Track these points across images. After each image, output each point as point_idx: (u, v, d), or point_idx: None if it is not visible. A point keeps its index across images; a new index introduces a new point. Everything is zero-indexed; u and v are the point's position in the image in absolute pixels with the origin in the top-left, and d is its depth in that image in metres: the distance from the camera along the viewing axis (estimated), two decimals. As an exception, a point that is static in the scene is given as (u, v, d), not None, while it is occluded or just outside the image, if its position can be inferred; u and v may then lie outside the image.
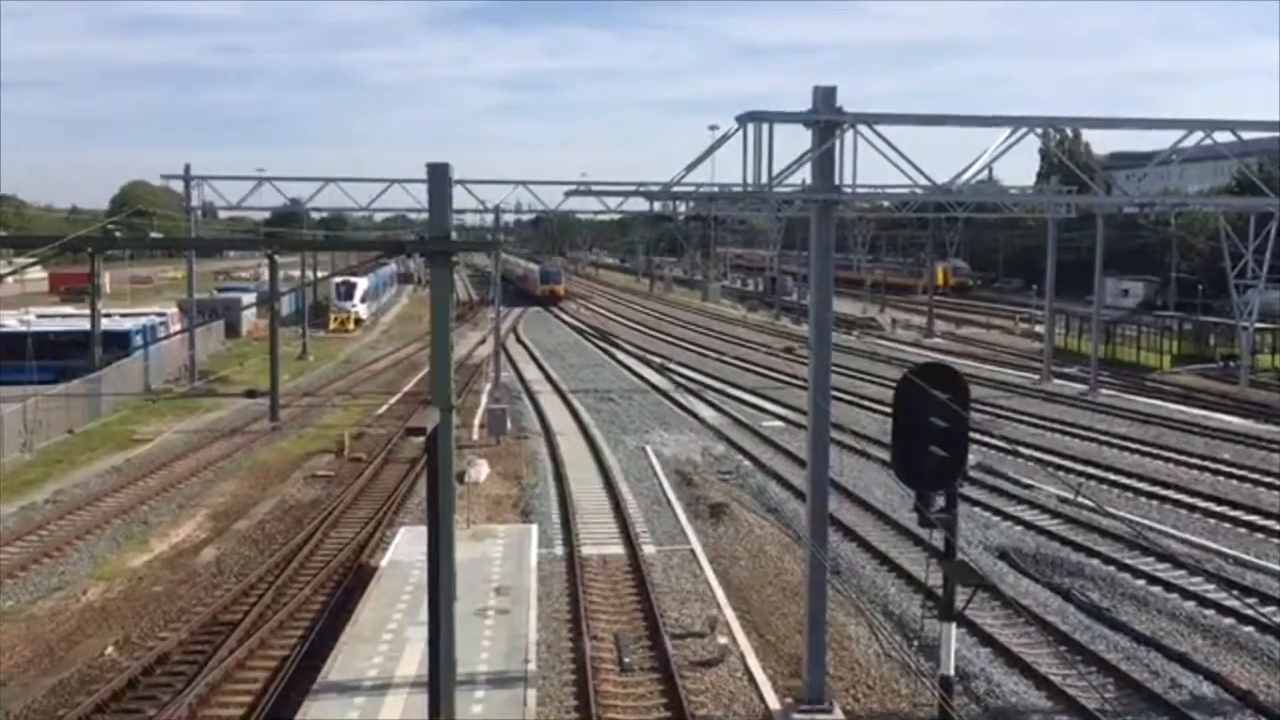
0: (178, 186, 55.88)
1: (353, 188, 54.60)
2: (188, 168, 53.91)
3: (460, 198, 58.14)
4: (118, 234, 33.19)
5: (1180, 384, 52.35)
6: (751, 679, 18.35)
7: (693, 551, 25.51)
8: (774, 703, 17.39)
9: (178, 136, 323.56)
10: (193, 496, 31.50)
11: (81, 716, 16.74)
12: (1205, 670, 18.73)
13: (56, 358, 46.53)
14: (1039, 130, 19.00)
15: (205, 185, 54.55)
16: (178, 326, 57.93)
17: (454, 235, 15.08)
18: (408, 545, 23.87)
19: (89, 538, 27.02)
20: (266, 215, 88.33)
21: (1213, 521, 27.94)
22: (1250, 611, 20.74)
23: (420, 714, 14.17)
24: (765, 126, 16.47)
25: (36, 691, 18.05)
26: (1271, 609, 21.23)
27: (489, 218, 58.29)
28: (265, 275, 54.36)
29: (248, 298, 77.70)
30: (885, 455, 15.33)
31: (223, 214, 66.20)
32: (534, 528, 26.36)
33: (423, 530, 13.41)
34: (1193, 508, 29.13)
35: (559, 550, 25.46)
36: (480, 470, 32.45)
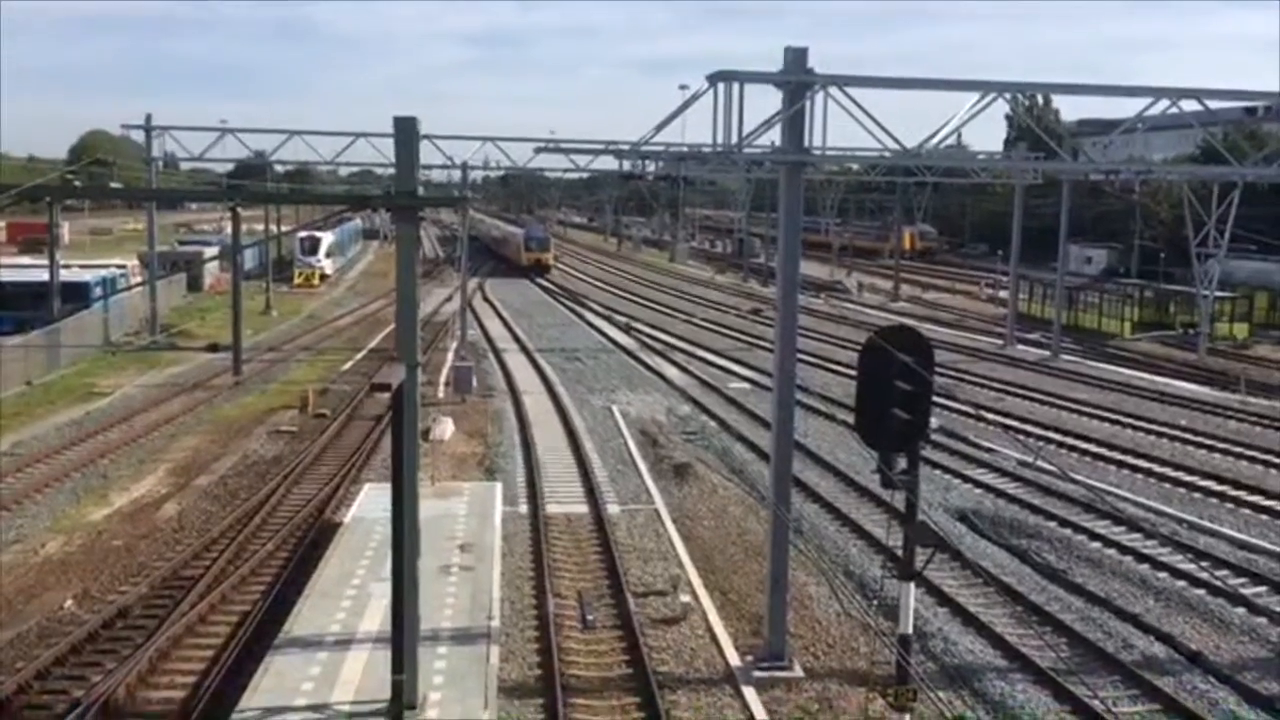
0: (138, 137, 55.10)
1: (318, 141, 53.87)
2: (149, 117, 53.08)
3: (427, 153, 57.56)
4: (77, 183, 32.61)
5: (1140, 351, 53.01)
6: (713, 637, 18.53)
7: (657, 511, 25.65)
8: (735, 660, 17.58)
9: (138, 86, 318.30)
10: (154, 451, 31.24)
11: (40, 669, 16.65)
12: (1157, 631, 19.10)
13: (14, 309, 45.88)
14: (1008, 96, 19.04)
15: (166, 136, 53.80)
16: (138, 279, 57.20)
17: (421, 191, 14.96)
18: (371, 502, 23.82)
19: (47, 491, 26.77)
20: (229, 168, 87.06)
21: (1168, 486, 28.40)
22: (1202, 575, 21.16)
23: (383, 669, 14.20)
24: (736, 87, 16.42)
25: (-6, 644, 17.93)
26: (1224, 572, 21.65)
27: (457, 174, 57.75)
28: (228, 228, 53.74)
29: (210, 251, 76.75)
30: (849, 418, 15.45)
31: (184, 165, 65.21)
32: (499, 485, 26.37)
33: (387, 487, 13.39)
34: (1149, 472, 29.59)
35: (523, 508, 25.51)
36: (445, 428, 32.39)
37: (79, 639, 17.78)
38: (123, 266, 59.25)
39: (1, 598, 20.09)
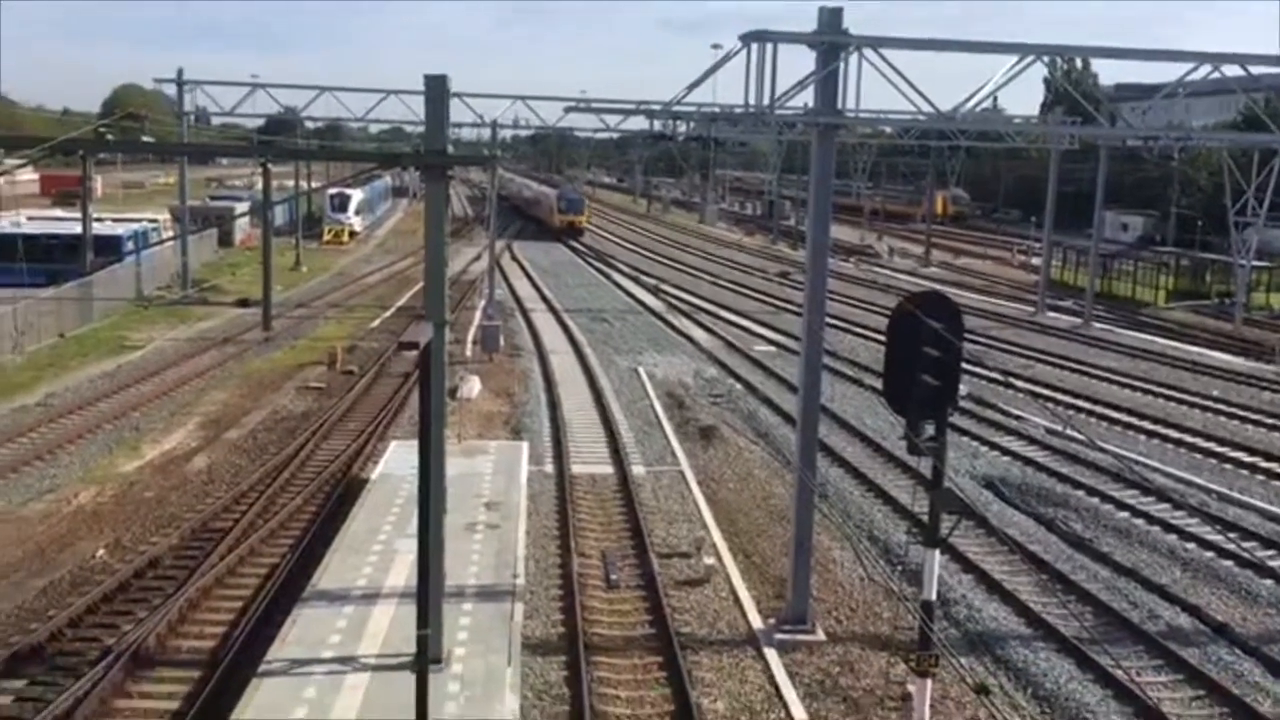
0: (170, 91, 55.18)
1: (348, 98, 53.95)
2: (180, 72, 53.17)
3: (458, 111, 57.47)
4: (109, 136, 32.69)
5: (1174, 320, 52.42)
6: (736, 599, 18.59)
7: (682, 473, 25.68)
8: (757, 622, 17.64)
9: (171, 39, 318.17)
10: (184, 404, 31.54)
11: (73, 617, 16.92)
12: (1183, 602, 19.01)
13: (47, 261, 46.26)
14: (1045, 58, 18.72)
15: (198, 90, 53.90)
16: (170, 233, 57.52)
17: (450, 149, 14.91)
18: (398, 459, 23.97)
19: (80, 442, 27.11)
20: (260, 123, 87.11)
21: (1199, 456, 28.16)
22: (1231, 546, 21.01)
23: (408, 624, 14.33)
24: (769, 47, 16.23)
25: (28, 592, 18.23)
26: (1252, 544, 21.49)
27: (486, 133, 57.55)
28: (259, 184, 53.88)
29: (241, 206, 77.05)
30: (877, 383, 15.37)
31: (216, 120, 65.41)
32: (525, 445, 26.48)
33: (414, 444, 13.46)
34: (1180, 443, 29.34)
35: (549, 468, 25.60)
36: (473, 386, 32.51)
37: (111, 588, 18.05)
38: (155, 221, 59.58)
39: (35, 546, 20.42)
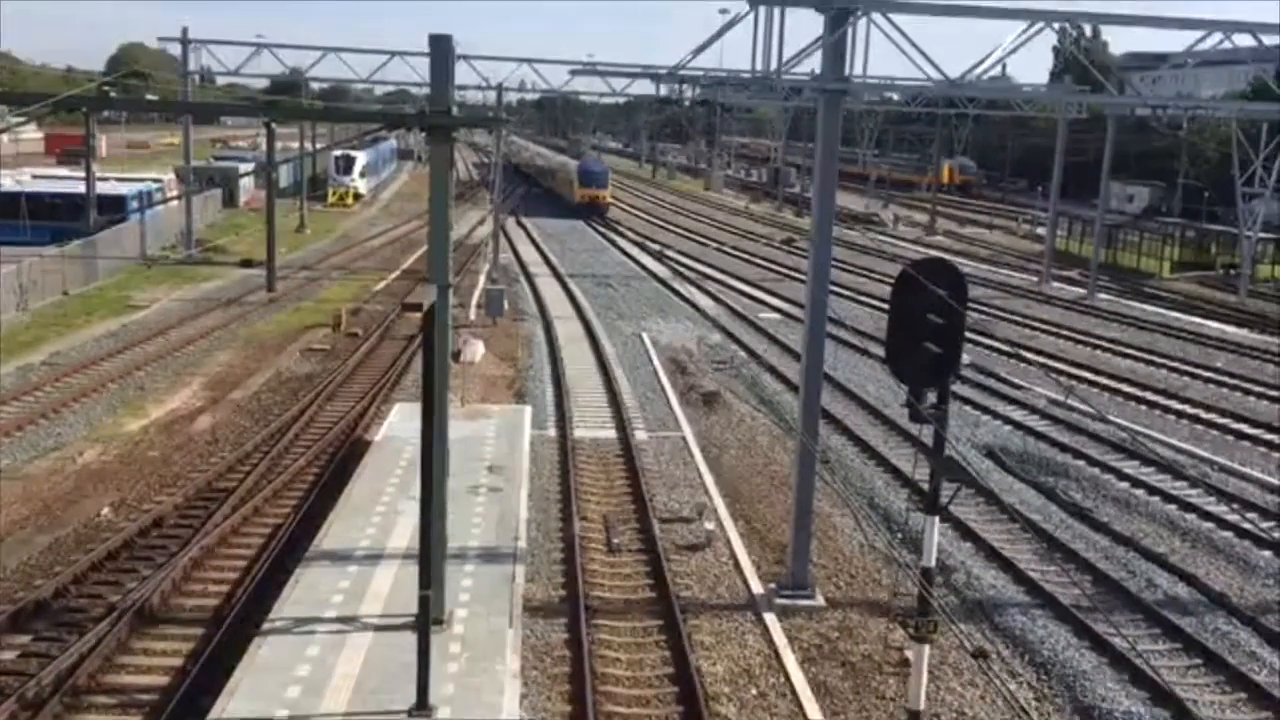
0: (175, 50, 54.94)
1: (353, 59, 53.76)
2: (185, 30, 52.84)
3: (463, 74, 57.17)
4: (113, 94, 32.57)
5: (1179, 291, 52.32)
6: (737, 564, 18.71)
7: (684, 438, 25.75)
8: (758, 587, 17.76)
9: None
10: (189, 365, 31.62)
11: (78, 574, 17.06)
12: (1181, 571, 19.11)
13: (52, 219, 46.21)
14: (1055, 25, 18.60)
15: (203, 50, 53.61)
16: (174, 193, 57.40)
17: (455, 111, 14.86)
18: (402, 422, 24.03)
19: (85, 401, 27.20)
20: (265, 84, 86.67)
21: (1200, 428, 28.21)
22: (1231, 517, 21.08)
23: (410, 585, 14.43)
24: (777, 11, 16.16)
25: (34, 548, 18.37)
26: (1254, 515, 21.57)
27: (492, 96, 57.26)
28: (263, 145, 53.66)
29: (245, 166, 76.83)
30: (880, 351, 15.36)
31: (220, 80, 65.03)
32: (528, 409, 26.54)
33: (417, 407, 13.50)
34: (1181, 414, 29.39)
35: (552, 432, 25.69)
36: (476, 350, 32.53)
37: (115, 546, 18.17)
38: (159, 180, 59.45)
39: (41, 504, 20.55)
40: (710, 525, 19.98)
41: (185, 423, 26.13)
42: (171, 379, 29.96)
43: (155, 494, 21.07)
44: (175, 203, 54.57)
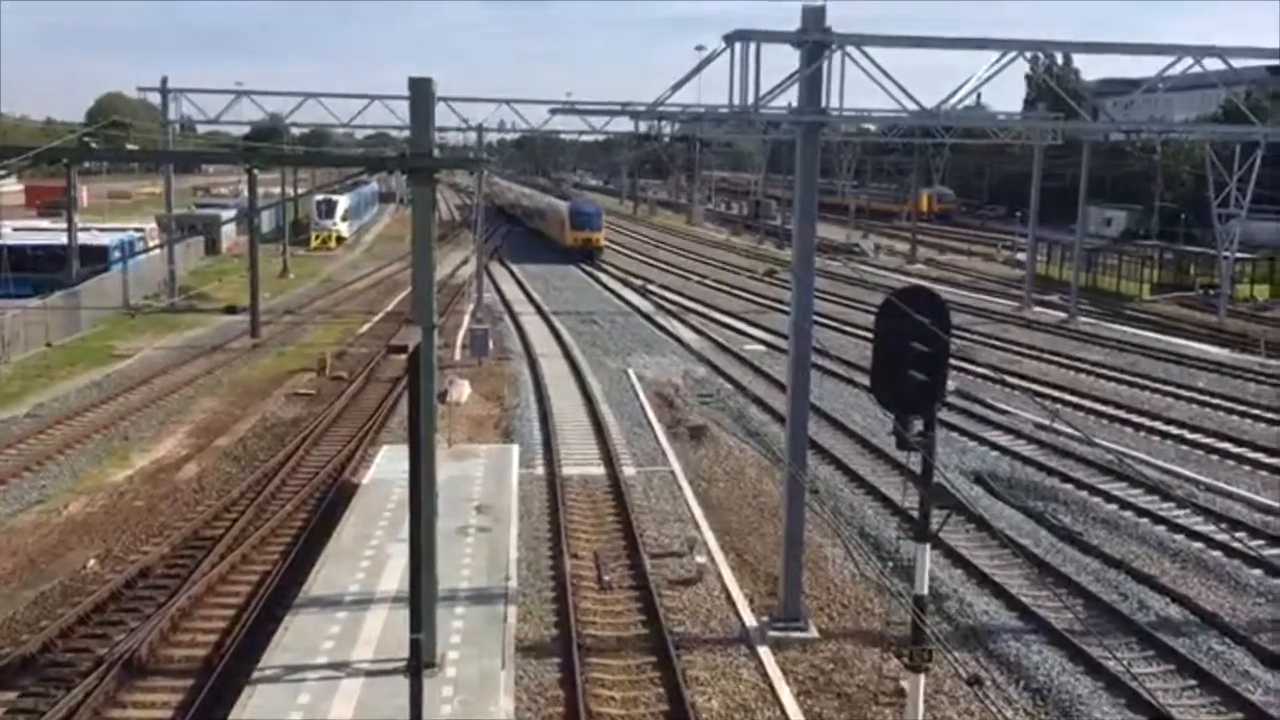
0: (155, 100, 55.06)
1: (334, 104, 53.98)
2: (164, 80, 53.03)
3: (443, 116, 57.34)
4: (94, 145, 32.58)
5: (1159, 313, 52.68)
6: (729, 597, 18.64)
7: (672, 473, 25.72)
8: (750, 620, 17.69)
9: (154, 48, 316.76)
10: (174, 413, 31.48)
11: (64, 627, 16.88)
12: (1173, 592, 19.12)
13: (34, 271, 46.09)
14: (1028, 54, 18.83)
15: (183, 99, 53.73)
16: (156, 242, 57.34)
17: (436, 152, 14.93)
18: (389, 463, 23.97)
19: (70, 452, 27.03)
20: (245, 130, 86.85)
21: (1185, 448, 28.31)
22: (1219, 536, 21.14)
23: (401, 629, 14.32)
24: (753, 46, 16.28)
25: (19, 603, 18.18)
26: (1242, 534, 21.62)
27: (472, 137, 57.57)
28: (245, 192, 53.78)
29: (227, 214, 76.86)
30: (865, 380, 15.36)
31: (201, 128, 65.18)
32: (515, 448, 26.49)
33: (404, 449, 13.47)
34: (1166, 434, 29.51)
35: (540, 470, 25.62)
36: (462, 390, 32.50)
37: (102, 598, 18.01)
38: (141, 230, 59.41)
39: (25, 557, 20.36)
40: (701, 559, 19.92)
41: (171, 471, 25.98)
42: (156, 427, 29.81)
43: (141, 544, 20.90)
44: (158, 251, 54.48)
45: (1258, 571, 19.97)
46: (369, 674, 14.54)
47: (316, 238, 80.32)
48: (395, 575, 17.53)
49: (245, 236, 59.79)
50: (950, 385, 12.11)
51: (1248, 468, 26.61)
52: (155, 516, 22.54)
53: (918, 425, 11.86)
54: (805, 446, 18.42)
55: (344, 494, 23.26)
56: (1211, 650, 16.97)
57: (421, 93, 14.05)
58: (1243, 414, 31.79)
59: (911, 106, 17.97)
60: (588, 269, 69.54)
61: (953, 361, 13.64)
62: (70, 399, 32.29)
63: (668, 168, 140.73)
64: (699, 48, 67.80)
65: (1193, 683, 16.03)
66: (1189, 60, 18.93)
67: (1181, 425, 30.25)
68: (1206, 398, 33.75)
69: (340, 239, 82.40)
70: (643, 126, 21.57)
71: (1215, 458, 27.47)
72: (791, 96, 16.99)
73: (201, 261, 66.99)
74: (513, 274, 66.43)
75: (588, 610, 18.01)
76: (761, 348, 42.21)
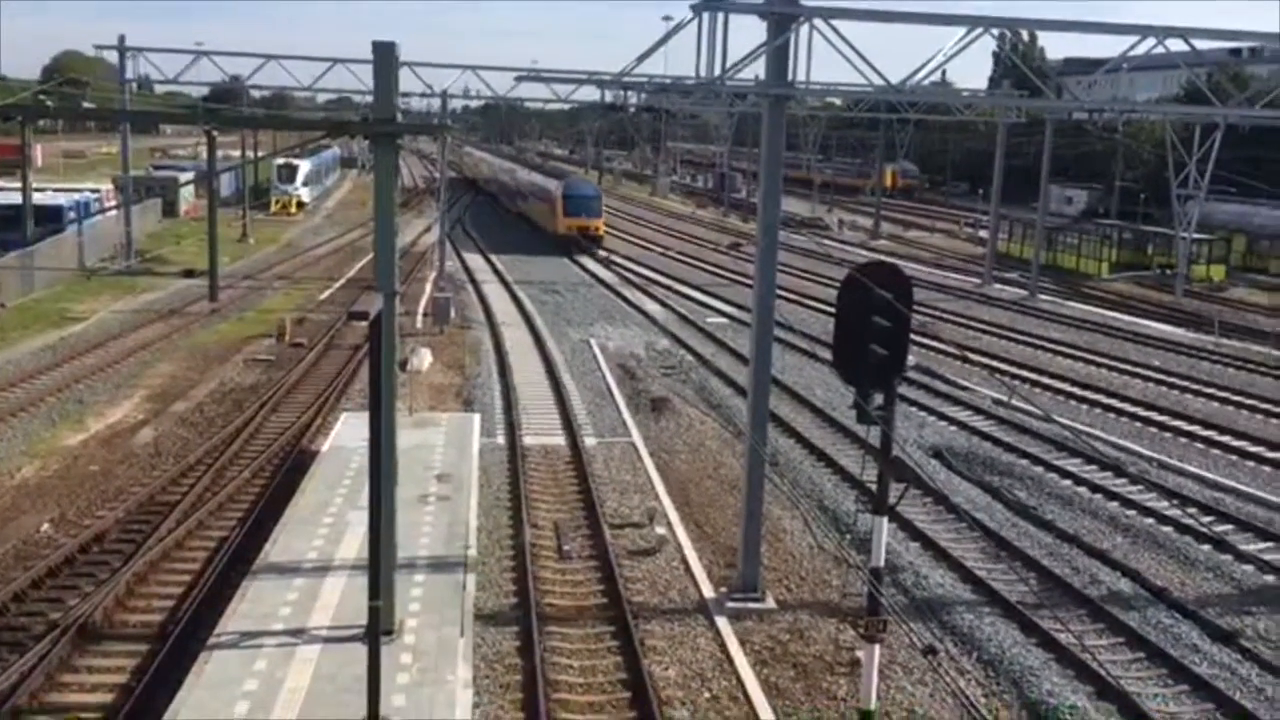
0: (112, 58, 54.03)
1: (295, 67, 53.25)
2: (122, 39, 52.07)
3: (407, 81, 56.84)
4: (49, 103, 32.02)
5: (1117, 291, 53.30)
6: (688, 568, 18.74)
7: (633, 444, 25.77)
8: (709, 591, 17.80)
9: (112, 5, 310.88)
10: (130, 377, 31.09)
11: (17, 592, 16.69)
12: (1124, 567, 19.44)
13: None
14: (994, 31, 18.89)
15: (140, 58, 52.84)
16: (113, 203, 56.45)
17: (400, 118, 14.77)
18: (349, 431, 23.82)
19: (23, 415, 26.63)
20: (204, 92, 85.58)
21: (1140, 425, 28.73)
22: (1171, 512, 21.50)
23: (360, 596, 14.30)
24: (720, 17, 16.22)
25: (-29, 567, 17.95)
26: (1193, 510, 22.00)
27: (436, 104, 56.97)
28: (203, 154, 52.93)
29: (185, 176, 75.73)
30: (827, 354, 15.40)
31: (159, 89, 64.25)
32: (476, 416, 26.41)
33: (364, 416, 13.40)
34: (1121, 412, 29.92)
35: (501, 440, 25.58)
36: (423, 358, 32.35)
37: (56, 562, 17.81)
38: (97, 190, 58.43)
39: (-23, 521, 20.08)
40: (661, 530, 20.00)
41: (126, 436, 25.69)
42: (112, 391, 29.44)
43: (97, 509, 20.68)
44: (114, 213, 53.62)
45: (1206, 547, 20.34)
46: (327, 641, 14.50)
47: (276, 202, 79.34)
48: (354, 543, 17.47)
49: (204, 199, 58.97)
50: (910, 360, 12.18)
51: (1200, 445, 27.05)
52: (110, 481, 22.30)
53: (878, 399, 11.94)
54: (766, 419, 18.51)
55: (303, 461, 23.11)
56: (1160, 624, 17.28)
57: (385, 56, 13.88)
58: (1196, 392, 32.29)
59: (878, 81, 18.01)
60: (584, 263, 58.13)
61: (914, 337, 13.72)
62: (24, 361, 31.77)
63: (633, 139, 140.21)
64: (666, 18, 67.38)
65: (1141, 655, 16.33)
66: (1152, 40, 19.05)
67: (1136, 403, 30.68)
68: (1162, 376, 34.25)
69: (301, 204, 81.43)
70: (609, 96, 21.47)
71: (1169, 435, 27.91)
72: (758, 69, 17.00)
73: (159, 224, 65.97)
74: (476, 244, 65.83)
75: (547, 579, 18.05)
76: (724, 320, 42.28)
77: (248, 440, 25.06)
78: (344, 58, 49.79)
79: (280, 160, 78.16)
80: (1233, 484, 23.99)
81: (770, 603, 17.48)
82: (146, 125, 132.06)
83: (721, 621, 16.71)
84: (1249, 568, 19.53)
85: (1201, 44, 21.01)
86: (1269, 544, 20.64)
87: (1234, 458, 26.12)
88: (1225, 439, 27.30)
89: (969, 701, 14.68)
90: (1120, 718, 14.49)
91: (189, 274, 47.94)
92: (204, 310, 40.98)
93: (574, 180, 70.39)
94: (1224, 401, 31.32)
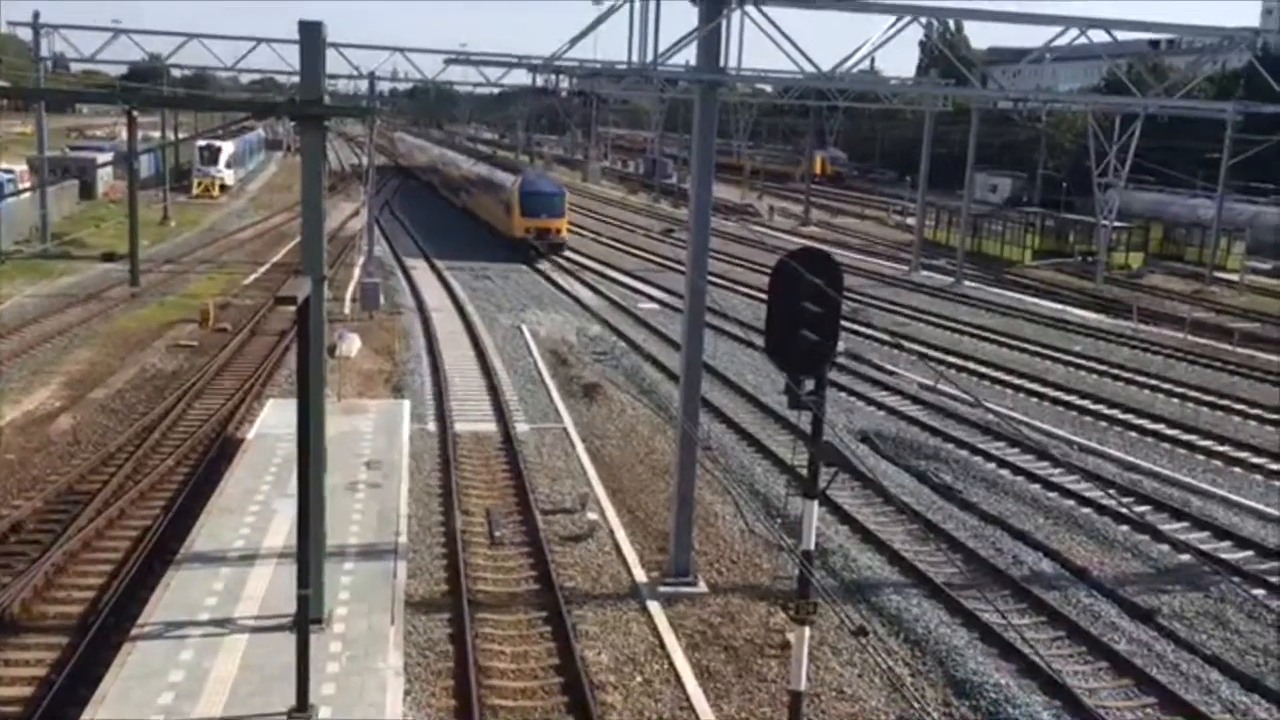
0: (26, 35, 52.52)
1: (218, 46, 51.98)
2: (36, 15, 50.58)
3: (334, 63, 55.99)
4: (-41, 82, 31.09)
5: (1040, 278, 54.33)
6: (620, 553, 18.78)
7: (565, 430, 25.73)
8: (641, 576, 17.86)
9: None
10: (46, 363, 30.28)
11: (-70, 585, 16.22)
12: (1045, 548, 19.89)
13: None
14: (922, 20, 19.11)
15: (56, 35, 51.36)
16: (27, 184, 54.84)
17: (327, 100, 14.54)
18: (276, 417, 23.45)
19: (-66, 403, 25.85)
20: (123, 71, 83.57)
21: (1062, 410, 29.36)
22: (1091, 494, 22.02)
23: (288, 585, 14.11)
24: (652, 2, 16.21)
25: (-120, 560, 17.39)
26: (1113, 492, 22.54)
27: (364, 86, 56.13)
28: (122, 134, 51.72)
29: (103, 157, 73.82)
30: (759, 340, 15.48)
31: (75, 67, 62.48)
32: (406, 403, 26.16)
33: (291, 403, 13.20)
34: (1044, 396, 30.55)
35: (431, 426, 25.38)
36: (352, 344, 31.93)
37: (-30, 554, 17.33)
38: (10, 171, 56.71)
39: (-114, 512, 19.43)
40: (593, 515, 20.01)
41: (44, 423, 25.02)
42: (28, 378, 28.65)
43: (13, 498, 20.12)
44: (28, 195, 52.11)
45: (1124, 528, 20.87)
46: (254, 630, 14.29)
47: (199, 185, 77.71)
48: (282, 531, 17.22)
49: (123, 181, 57.53)
50: (841, 346, 12.29)
51: (1119, 429, 27.72)
52: (27, 470, 21.71)
53: (809, 385, 12.03)
54: (698, 404, 18.58)
55: (228, 449, 22.72)
56: (1081, 603, 17.70)
57: (311, 36, 13.64)
58: (1115, 377, 33.08)
59: (808, 68, 18.13)
60: (543, 271, 51.37)
61: (844, 323, 13.85)
62: (-66, 347, 30.82)
63: (564, 123, 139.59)
64: (597, 1, 66.90)
65: (1063, 633, 16.73)
66: (1075, 31, 19.43)
67: (1058, 387, 31.34)
68: (1082, 361, 35.02)
69: (224, 186, 79.83)
70: (539, 80, 21.34)
71: (1089, 419, 28.55)
72: (690, 54, 16.98)
73: (76, 206, 64.25)
74: (405, 228, 65.03)
75: (478, 566, 17.97)
76: (656, 306, 42.34)
77: (170, 428, 24.56)
78: (269, 37, 48.84)
79: (203, 142, 76.51)
80: (1150, 466, 24.63)
81: (702, 587, 17.58)
82: (63, 104, 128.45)
83: (654, 606, 16.78)
84: (1165, 547, 20.09)
85: (1122, 35, 21.47)
86: (1184, 524, 21.24)
87: (1151, 440, 26.81)
88: (1143, 422, 28.01)
89: (896, 681, 14.92)
90: (1043, 695, 14.82)
91: (109, 257, 46.80)
92: (124, 295, 40.07)
93: (532, 176, 61.74)
94: (1142, 386, 32.13)
